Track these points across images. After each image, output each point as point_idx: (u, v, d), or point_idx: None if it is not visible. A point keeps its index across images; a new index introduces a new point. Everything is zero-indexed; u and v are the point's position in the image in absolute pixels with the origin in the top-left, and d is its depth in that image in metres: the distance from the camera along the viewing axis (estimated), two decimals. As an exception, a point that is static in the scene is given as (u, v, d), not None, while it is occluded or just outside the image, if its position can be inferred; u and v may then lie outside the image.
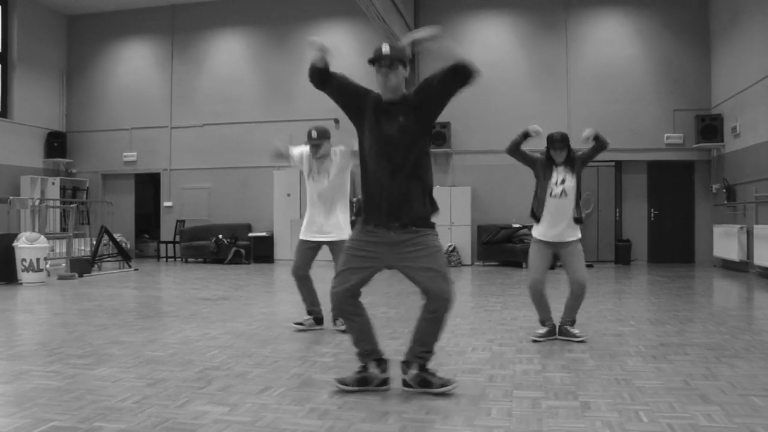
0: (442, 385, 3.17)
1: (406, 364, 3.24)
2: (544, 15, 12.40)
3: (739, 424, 2.70)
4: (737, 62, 10.55)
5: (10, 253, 8.66)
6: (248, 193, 13.59)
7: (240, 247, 12.76)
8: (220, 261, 12.78)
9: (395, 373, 3.29)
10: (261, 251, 12.96)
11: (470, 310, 6.22)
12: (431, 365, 3.27)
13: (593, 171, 12.14)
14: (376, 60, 3.08)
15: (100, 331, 5.03)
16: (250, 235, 13.08)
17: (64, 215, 12.97)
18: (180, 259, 13.55)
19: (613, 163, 12.27)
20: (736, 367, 3.74)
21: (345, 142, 4.97)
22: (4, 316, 5.91)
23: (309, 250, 4.98)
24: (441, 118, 13.01)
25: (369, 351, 3.26)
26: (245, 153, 13.57)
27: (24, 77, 13.58)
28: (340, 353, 4.17)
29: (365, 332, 3.26)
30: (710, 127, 11.20)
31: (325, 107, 12.71)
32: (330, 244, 4.91)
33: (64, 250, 10.65)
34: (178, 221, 13.84)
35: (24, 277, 8.61)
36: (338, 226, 4.90)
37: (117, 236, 11.58)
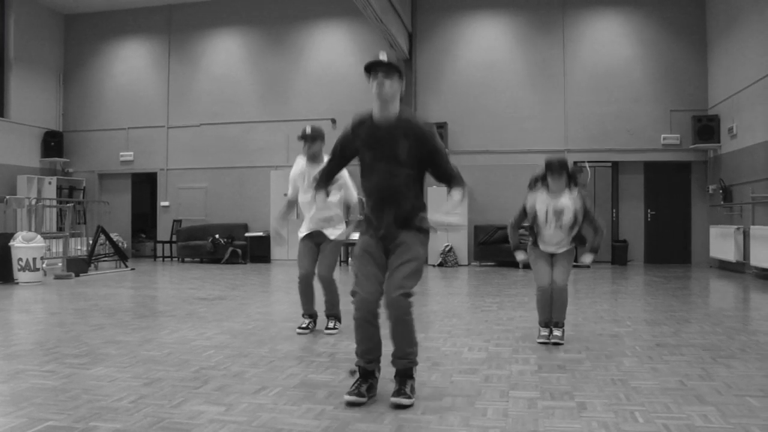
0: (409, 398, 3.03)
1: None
2: (541, 15, 12.41)
3: (734, 425, 2.71)
4: (734, 63, 10.57)
5: (7, 252, 8.64)
6: (245, 192, 13.58)
7: (236, 246, 12.75)
8: (216, 261, 12.78)
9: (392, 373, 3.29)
10: (257, 251, 12.98)
11: (467, 310, 6.23)
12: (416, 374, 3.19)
13: (591, 171, 12.16)
14: (372, 67, 3.01)
15: (96, 330, 5.02)
16: (247, 234, 13.07)
17: (60, 215, 12.95)
18: (177, 259, 13.54)
19: (609, 164, 12.30)
20: (731, 367, 3.75)
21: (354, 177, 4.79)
22: (0, 316, 5.91)
23: (310, 247, 4.92)
24: (438, 119, 12.92)
25: (375, 358, 3.17)
26: (242, 153, 13.58)
27: (21, 76, 13.56)
28: (336, 353, 4.17)
29: (376, 341, 3.14)
30: (707, 128, 11.23)
31: (321, 107, 12.86)
32: (324, 236, 4.82)
33: (61, 249, 10.63)
34: (174, 221, 13.83)
35: (20, 276, 8.60)
36: (331, 221, 4.86)
37: (114, 236, 11.57)
